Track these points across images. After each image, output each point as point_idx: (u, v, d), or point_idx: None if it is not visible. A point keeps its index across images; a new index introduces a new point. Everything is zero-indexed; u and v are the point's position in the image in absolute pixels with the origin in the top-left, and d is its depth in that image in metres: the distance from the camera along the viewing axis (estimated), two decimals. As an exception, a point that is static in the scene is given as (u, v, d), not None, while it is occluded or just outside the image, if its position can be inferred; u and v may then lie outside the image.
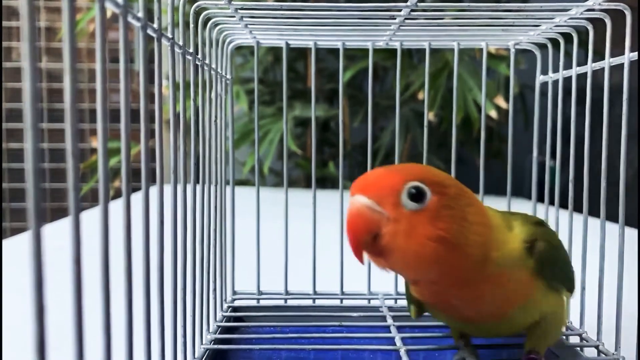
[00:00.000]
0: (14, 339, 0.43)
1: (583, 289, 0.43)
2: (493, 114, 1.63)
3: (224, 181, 0.48)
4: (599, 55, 0.42)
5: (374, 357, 0.40)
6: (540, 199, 0.52)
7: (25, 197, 0.17)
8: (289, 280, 0.52)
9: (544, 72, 0.51)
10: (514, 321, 0.35)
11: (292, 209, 0.52)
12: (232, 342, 0.44)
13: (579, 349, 0.42)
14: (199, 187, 0.41)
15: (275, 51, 1.93)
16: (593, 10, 0.40)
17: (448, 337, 0.43)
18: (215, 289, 0.45)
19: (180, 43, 0.35)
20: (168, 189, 0.33)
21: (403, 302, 0.52)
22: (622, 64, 0.40)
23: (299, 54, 2.00)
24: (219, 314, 0.47)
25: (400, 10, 0.41)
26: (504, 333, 0.38)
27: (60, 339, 0.27)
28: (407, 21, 0.44)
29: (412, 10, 0.41)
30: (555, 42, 0.49)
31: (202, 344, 0.41)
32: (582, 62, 0.44)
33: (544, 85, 0.51)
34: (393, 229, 0.27)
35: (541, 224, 0.37)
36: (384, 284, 0.54)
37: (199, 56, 0.40)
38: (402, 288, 0.53)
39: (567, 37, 0.47)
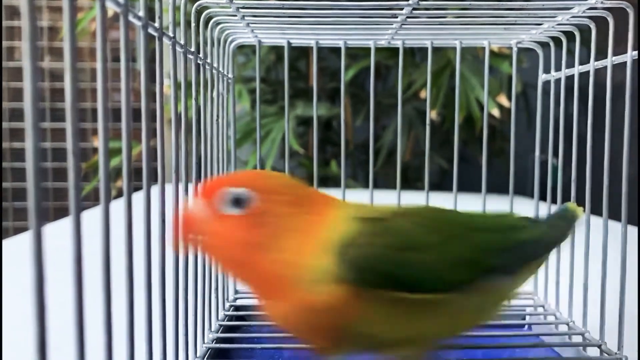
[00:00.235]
0: (15, 338, 0.43)
1: (585, 288, 0.43)
2: (495, 112, 1.63)
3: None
4: (601, 54, 0.41)
5: (375, 357, 0.40)
6: (543, 197, 0.51)
7: (27, 196, 0.17)
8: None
9: (547, 70, 0.51)
10: (354, 342, 0.30)
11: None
12: (234, 341, 0.44)
13: (581, 348, 0.42)
14: (200, 187, 0.41)
15: (277, 50, 1.93)
16: (595, 8, 0.40)
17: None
18: (217, 288, 0.45)
19: (182, 42, 0.35)
20: (170, 189, 0.33)
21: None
22: (625, 63, 0.40)
23: (300, 53, 2.00)
24: (221, 313, 0.47)
25: (402, 9, 0.41)
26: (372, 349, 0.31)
27: (62, 338, 0.27)
28: (409, 20, 0.44)
29: (414, 9, 0.41)
30: (557, 41, 0.49)
31: (204, 342, 0.41)
32: (584, 60, 0.44)
33: (547, 83, 0.51)
34: (211, 231, 0.29)
35: (379, 219, 0.30)
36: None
37: (201, 55, 0.40)
38: (404, 287, 0.53)
39: (570, 36, 0.47)
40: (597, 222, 0.40)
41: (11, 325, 0.46)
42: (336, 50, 0.68)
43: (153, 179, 0.29)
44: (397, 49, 0.51)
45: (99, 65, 0.22)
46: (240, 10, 0.42)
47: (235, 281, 0.52)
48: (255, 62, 0.53)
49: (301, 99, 1.92)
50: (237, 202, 0.28)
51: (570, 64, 0.47)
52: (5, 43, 2.22)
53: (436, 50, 0.52)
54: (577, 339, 0.44)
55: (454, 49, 0.51)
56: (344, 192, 0.51)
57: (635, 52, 0.39)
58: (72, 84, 0.19)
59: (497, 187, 0.92)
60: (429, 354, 0.32)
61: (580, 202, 0.43)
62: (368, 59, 1.69)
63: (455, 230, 0.31)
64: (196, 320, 0.39)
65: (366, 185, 1.98)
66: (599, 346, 0.41)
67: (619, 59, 0.40)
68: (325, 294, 0.27)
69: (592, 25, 0.43)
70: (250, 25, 0.46)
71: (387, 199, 0.63)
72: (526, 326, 0.50)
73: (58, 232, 0.49)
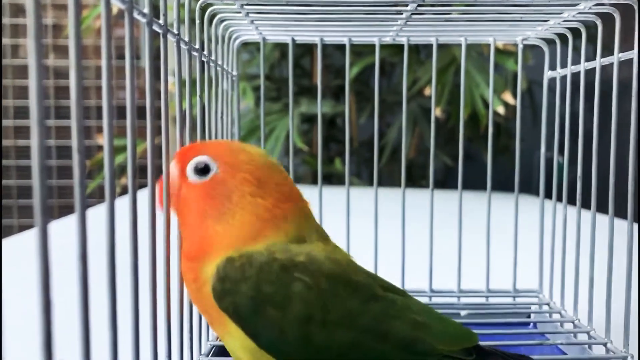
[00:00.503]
0: (21, 335, 0.43)
1: (591, 285, 0.43)
2: (500, 110, 1.62)
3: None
4: (607, 51, 0.41)
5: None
6: (548, 195, 0.51)
7: (33, 193, 0.17)
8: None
9: (552, 67, 0.51)
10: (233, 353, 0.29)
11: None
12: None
13: (586, 346, 0.42)
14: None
15: (281, 47, 1.93)
16: (602, 4, 0.40)
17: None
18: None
19: (186, 39, 0.35)
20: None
21: (410, 299, 0.52)
22: (632, 59, 0.39)
23: (305, 50, 2.00)
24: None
25: (407, 5, 0.41)
26: None
27: (67, 335, 0.27)
28: (414, 16, 0.44)
29: (419, 5, 0.41)
30: (563, 38, 0.48)
31: (208, 340, 0.41)
32: (590, 57, 0.44)
33: (552, 80, 0.51)
34: (177, 195, 0.30)
35: (265, 263, 0.27)
36: (391, 282, 0.53)
37: (205, 52, 0.40)
38: (408, 285, 0.53)
39: (576, 32, 0.46)
40: (603, 220, 0.40)
41: (17, 323, 0.46)
42: (341, 47, 0.67)
43: (157, 176, 0.29)
44: (402, 45, 0.51)
45: (104, 63, 0.22)
46: (245, 7, 0.42)
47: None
48: (259, 60, 0.53)
49: (305, 96, 1.92)
50: (201, 170, 0.29)
51: (576, 61, 0.46)
52: (9, 40, 2.23)
53: (441, 47, 0.52)
54: (582, 337, 0.44)
55: (459, 45, 0.51)
56: (348, 189, 0.51)
57: (642, 49, 0.39)
58: (77, 81, 0.19)
59: (502, 184, 0.91)
60: None
61: (586, 199, 0.43)
62: (372, 56, 1.68)
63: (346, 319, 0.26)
64: (201, 318, 0.39)
65: (370, 183, 1.97)
66: (605, 344, 0.41)
67: (625, 55, 0.40)
68: (207, 293, 0.27)
69: (599, 22, 0.42)
70: (255, 22, 0.46)
71: (391, 197, 0.63)
72: (531, 324, 0.50)
73: (63, 230, 0.49)
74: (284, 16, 0.45)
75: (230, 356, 0.39)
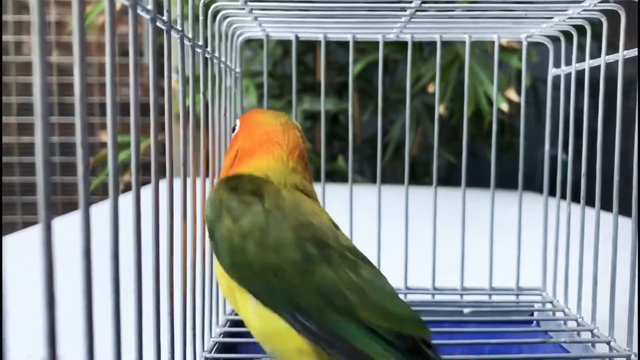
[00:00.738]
0: (25, 330, 0.43)
1: (595, 284, 0.43)
2: (504, 107, 1.62)
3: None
4: (612, 48, 0.41)
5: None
6: (552, 193, 0.51)
7: (36, 190, 0.17)
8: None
9: (557, 65, 0.50)
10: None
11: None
12: (241, 336, 0.44)
13: (590, 344, 0.42)
14: (208, 181, 0.41)
15: (284, 44, 1.93)
16: (607, 1, 0.40)
17: (458, 332, 0.43)
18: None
19: (190, 36, 0.35)
20: (178, 183, 0.33)
21: (413, 297, 0.52)
22: (636, 57, 0.39)
23: (308, 47, 1.99)
24: (229, 307, 0.47)
25: (411, 2, 0.41)
26: None
27: (71, 331, 0.27)
28: (417, 13, 0.43)
29: (423, 2, 0.40)
30: (568, 35, 0.48)
31: (211, 337, 0.41)
32: (595, 55, 0.44)
33: (557, 78, 0.51)
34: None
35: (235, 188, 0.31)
36: (394, 279, 0.53)
37: (209, 49, 0.40)
38: (411, 282, 0.53)
39: (580, 30, 0.46)
40: (607, 217, 0.40)
41: (21, 319, 0.47)
42: (344, 44, 0.67)
43: (161, 173, 0.29)
44: (406, 42, 0.51)
45: (108, 60, 0.22)
46: (248, 3, 0.42)
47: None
48: (262, 56, 0.52)
49: (308, 93, 1.92)
50: (233, 128, 0.38)
51: (580, 59, 0.46)
52: (13, 37, 2.23)
53: (445, 44, 0.52)
54: (585, 335, 0.44)
55: (463, 42, 0.50)
56: (351, 187, 0.51)
57: (647, 46, 0.38)
58: (81, 78, 0.19)
59: (506, 182, 0.91)
60: None
61: (591, 197, 0.43)
62: (376, 53, 1.68)
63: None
64: (204, 315, 0.39)
65: (373, 181, 1.97)
66: (608, 343, 0.41)
67: (630, 53, 0.40)
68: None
69: (604, 19, 0.42)
70: (258, 19, 0.46)
71: (394, 194, 0.63)
72: (534, 322, 0.50)
73: (66, 227, 0.49)
74: (287, 13, 0.45)
75: (232, 353, 0.39)
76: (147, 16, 0.28)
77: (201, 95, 0.38)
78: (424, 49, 1.87)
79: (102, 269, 0.24)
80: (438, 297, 0.53)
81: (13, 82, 2.22)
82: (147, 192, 0.28)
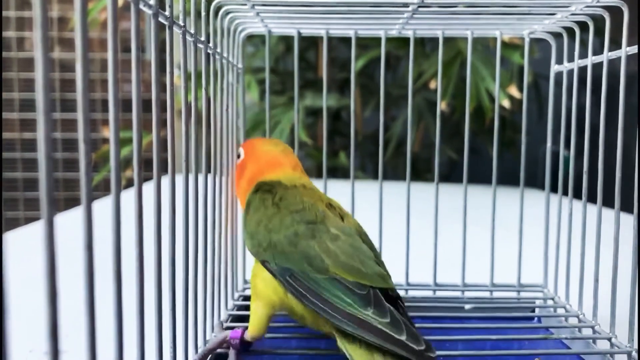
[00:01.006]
0: (27, 326, 0.43)
1: (596, 280, 0.43)
2: (506, 103, 1.62)
3: (235, 171, 0.48)
4: (615, 44, 0.41)
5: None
6: (554, 189, 0.51)
7: (39, 186, 0.17)
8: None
9: (559, 61, 0.50)
10: None
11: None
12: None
13: (591, 341, 0.42)
14: (210, 177, 0.41)
15: (286, 40, 1.93)
16: (610, -3, 0.40)
17: (459, 329, 0.43)
18: (226, 278, 0.45)
19: (192, 31, 0.35)
20: (180, 179, 0.33)
21: (414, 293, 0.52)
22: (639, 53, 0.39)
23: (310, 43, 1.99)
24: (230, 303, 0.48)
25: (413, -1, 0.41)
26: None
27: (73, 325, 0.27)
28: (420, 9, 0.43)
29: (425, -1, 0.40)
30: (570, 31, 0.48)
31: (213, 332, 0.41)
32: (597, 51, 0.44)
33: (559, 74, 0.51)
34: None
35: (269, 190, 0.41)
36: (395, 275, 0.53)
37: (211, 45, 0.40)
38: (413, 278, 0.53)
39: (583, 26, 0.46)
40: (608, 214, 0.40)
41: (23, 314, 0.47)
42: (346, 40, 0.67)
43: (163, 169, 0.29)
44: (407, 38, 0.51)
45: (110, 55, 0.22)
46: (250, -1, 0.42)
47: (245, 271, 0.53)
48: (264, 53, 0.53)
49: (310, 89, 1.92)
50: (238, 155, 0.46)
51: (582, 55, 0.46)
52: (15, 33, 2.23)
53: (447, 40, 0.52)
54: (587, 331, 0.44)
55: (465, 39, 0.50)
56: (352, 183, 0.51)
57: (650, 43, 0.38)
58: (84, 74, 0.19)
59: (508, 178, 0.91)
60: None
61: (592, 194, 0.43)
62: (378, 49, 1.68)
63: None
64: (205, 310, 0.39)
65: (375, 177, 1.97)
66: (609, 339, 0.41)
67: (633, 49, 0.40)
68: None
69: (606, 15, 0.42)
70: (260, 14, 0.46)
71: (396, 190, 0.63)
72: (535, 319, 0.50)
73: (69, 222, 0.49)
74: (289, 8, 0.45)
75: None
76: (149, 11, 0.28)
77: (203, 91, 0.38)
78: (425, 45, 1.87)
79: (104, 264, 0.24)
80: (439, 293, 0.53)
81: (15, 78, 2.22)
82: (149, 188, 0.28)
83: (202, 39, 0.38)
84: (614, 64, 0.42)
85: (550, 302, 0.50)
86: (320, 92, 1.86)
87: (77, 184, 0.19)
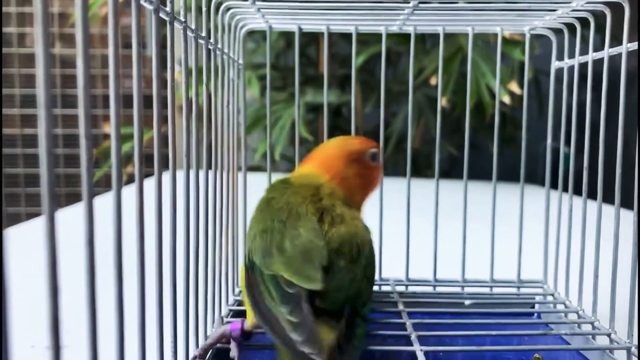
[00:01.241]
0: (29, 321, 0.43)
1: (596, 276, 0.43)
2: (506, 99, 1.62)
3: (236, 167, 0.48)
4: (616, 41, 0.41)
5: (386, 342, 0.40)
6: (554, 185, 0.51)
7: (40, 182, 0.17)
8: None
9: (560, 57, 0.50)
10: None
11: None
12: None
13: (590, 337, 0.42)
14: (211, 173, 0.41)
15: (287, 36, 1.92)
16: (611, -7, 0.40)
17: (459, 324, 0.43)
18: (227, 274, 0.46)
19: (193, 27, 0.35)
20: (180, 175, 0.33)
21: (414, 289, 0.52)
22: (639, 50, 0.39)
23: (310, 39, 1.99)
24: (231, 298, 0.48)
25: (413, -5, 0.41)
26: None
27: (74, 321, 0.28)
28: (420, 5, 0.43)
29: (426, -6, 0.40)
30: (571, 27, 0.48)
31: (213, 327, 0.41)
32: (598, 47, 0.44)
33: (559, 71, 0.51)
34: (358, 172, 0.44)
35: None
36: (395, 270, 0.54)
37: (212, 40, 0.40)
38: (413, 274, 0.53)
39: (584, 22, 0.46)
40: (608, 210, 0.40)
41: (25, 309, 0.47)
42: (346, 36, 0.67)
43: (164, 165, 0.29)
44: (408, 34, 0.51)
45: (111, 51, 0.22)
46: (251, -5, 0.42)
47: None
48: (264, 48, 0.53)
49: (311, 85, 1.91)
50: (374, 157, 0.44)
51: (583, 51, 0.46)
52: (16, 29, 2.23)
53: (447, 36, 0.52)
54: (586, 327, 0.44)
55: (466, 35, 0.50)
56: (353, 179, 0.51)
57: (651, 39, 0.38)
58: (84, 70, 0.19)
59: (508, 175, 0.91)
60: None
61: (592, 190, 0.43)
62: (378, 45, 1.68)
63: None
64: (206, 305, 0.39)
65: (376, 173, 1.97)
66: (609, 335, 0.41)
67: (634, 45, 0.39)
68: None
69: (607, 11, 0.42)
70: (261, 10, 0.46)
71: (396, 186, 0.63)
72: (535, 314, 0.50)
73: (70, 218, 0.49)
74: (290, 4, 0.45)
75: (226, 359, 0.40)
76: (150, 7, 0.28)
77: (204, 87, 0.38)
78: (426, 41, 1.87)
79: (105, 260, 0.24)
80: (439, 289, 0.53)
81: (16, 74, 2.22)
82: (150, 183, 0.28)
83: (203, 34, 0.38)
84: (614, 60, 0.42)
85: (550, 298, 0.51)
86: (321, 88, 1.86)
87: (78, 180, 0.19)
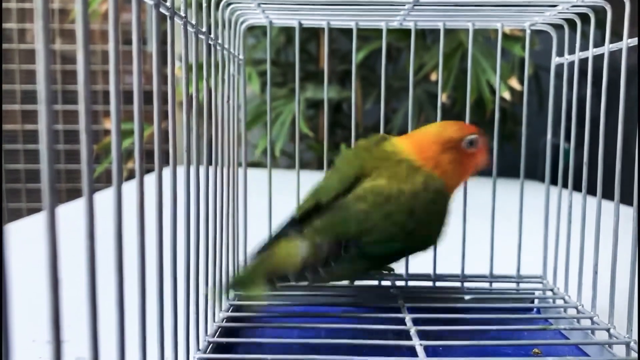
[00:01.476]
0: (29, 316, 0.44)
1: (595, 272, 0.43)
2: (506, 95, 1.61)
3: (236, 163, 0.49)
4: (616, 37, 0.41)
5: (385, 336, 0.41)
6: (554, 181, 0.51)
7: (41, 177, 0.17)
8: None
9: (560, 53, 0.50)
10: None
11: (304, 190, 0.52)
12: (244, 320, 0.45)
13: (589, 331, 0.42)
14: (211, 169, 0.41)
15: (287, 32, 1.92)
16: (611, -11, 0.40)
17: (458, 320, 0.43)
18: (228, 268, 0.46)
19: (193, 22, 0.35)
20: (181, 171, 0.33)
21: (413, 284, 0.53)
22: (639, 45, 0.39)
23: (311, 35, 1.98)
24: (231, 293, 0.48)
25: (413, -10, 0.41)
26: None
27: (75, 317, 0.28)
28: (421, 1, 0.43)
29: (426, -10, 0.40)
30: (571, 23, 0.48)
31: (214, 321, 0.41)
32: (598, 43, 0.44)
33: (559, 66, 0.51)
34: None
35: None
36: (396, 266, 0.54)
37: (212, 36, 0.40)
38: (413, 269, 0.53)
39: (584, 18, 0.46)
40: (608, 206, 0.40)
41: (26, 304, 0.47)
42: (347, 32, 0.67)
43: (165, 161, 0.29)
44: (408, 30, 0.51)
45: (111, 47, 0.22)
46: (251, -9, 0.42)
47: (246, 262, 0.53)
48: (265, 44, 0.52)
49: (311, 81, 1.91)
50: (472, 143, 0.44)
51: (583, 47, 0.46)
52: (16, 25, 2.22)
53: (447, 32, 0.52)
54: (585, 322, 0.44)
55: (466, 30, 0.50)
56: (353, 175, 0.51)
57: (651, 34, 0.38)
58: (85, 65, 0.19)
59: (508, 170, 0.91)
60: None
61: (592, 186, 0.43)
62: (379, 41, 1.67)
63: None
64: (207, 300, 0.39)
65: (376, 169, 1.97)
66: (608, 330, 0.41)
67: (634, 41, 0.39)
68: None
69: (608, 7, 0.42)
70: (262, 5, 0.46)
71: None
72: (535, 309, 0.50)
73: (70, 213, 0.49)
74: (291, 0, 0.45)
75: (226, 353, 0.40)
76: (150, 2, 0.28)
77: (204, 83, 0.38)
78: (426, 37, 1.86)
79: (105, 255, 0.24)
80: (439, 284, 0.53)
81: (17, 70, 2.22)
82: (150, 179, 0.28)
83: (204, 30, 0.38)
84: (614, 56, 0.42)
85: (549, 294, 0.51)
86: (321, 84, 1.86)
87: (79, 176, 0.20)
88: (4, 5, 2.13)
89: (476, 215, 0.56)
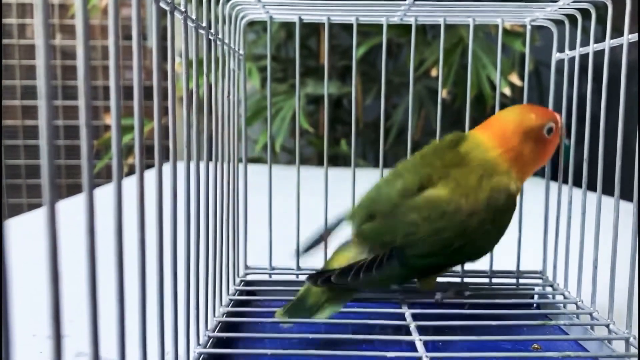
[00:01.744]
0: (30, 312, 0.44)
1: (595, 267, 0.43)
2: (507, 91, 1.61)
3: (236, 158, 0.49)
4: (617, 32, 0.41)
5: (385, 331, 0.41)
6: (554, 177, 0.51)
7: (41, 173, 0.17)
8: (301, 256, 0.53)
9: (560, 49, 0.50)
10: None
11: (304, 186, 0.53)
12: (245, 315, 0.45)
13: (589, 327, 0.42)
14: (212, 164, 0.41)
15: (287, 27, 1.92)
16: (612, -16, 0.39)
17: (458, 315, 0.43)
18: (228, 264, 0.46)
19: (193, 17, 0.35)
20: (181, 166, 0.33)
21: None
22: (641, 41, 0.39)
23: (311, 30, 1.98)
24: (232, 288, 0.48)
25: (414, -15, 0.41)
26: None
27: (75, 312, 0.28)
28: (421, -4, 0.43)
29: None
30: (572, 18, 0.48)
31: (214, 316, 0.42)
32: (599, 39, 0.44)
33: (560, 62, 0.51)
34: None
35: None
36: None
37: (212, 31, 0.40)
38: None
39: (585, 13, 0.46)
40: (608, 202, 0.40)
41: (26, 299, 0.47)
42: (347, 28, 0.67)
43: (165, 156, 0.29)
44: (408, 26, 0.51)
45: (111, 42, 0.22)
46: (251, -14, 0.42)
47: (246, 257, 0.53)
48: (265, 39, 0.52)
49: (311, 77, 1.91)
50: (551, 130, 0.44)
51: (584, 43, 0.46)
52: (16, 20, 2.22)
53: (448, 27, 0.52)
54: (585, 318, 0.44)
55: (466, 26, 0.50)
56: (354, 171, 0.51)
57: (652, 30, 0.38)
58: (85, 61, 0.19)
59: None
60: None
61: (592, 181, 0.43)
62: (379, 37, 1.67)
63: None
64: (207, 295, 0.39)
65: (376, 165, 1.97)
66: (607, 326, 0.41)
67: (635, 37, 0.39)
68: None
69: (609, 2, 0.42)
70: (262, 0, 0.46)
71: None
72: (534, 305, 0.50)
73: (71, 209, 0.49)
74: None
75: (226, 348, 0.40)
76: (149, -1, 0.28)
77: (204, 78, 0.38)
78: (427, 32, 1.86)
79: (106, 251, 0.24)
80: (438, 279, 0.53)
81: (17, 66, 2.22)
82: (150, 175, 0.28)
83: (204, 25, 0.38)
84: (615, 51, 0.42)
85: (549, 289, 0.51)
86: (322, 80, 1.85)
87: (79, 171, 0.20)
88: (4, 0, 2.13)
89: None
